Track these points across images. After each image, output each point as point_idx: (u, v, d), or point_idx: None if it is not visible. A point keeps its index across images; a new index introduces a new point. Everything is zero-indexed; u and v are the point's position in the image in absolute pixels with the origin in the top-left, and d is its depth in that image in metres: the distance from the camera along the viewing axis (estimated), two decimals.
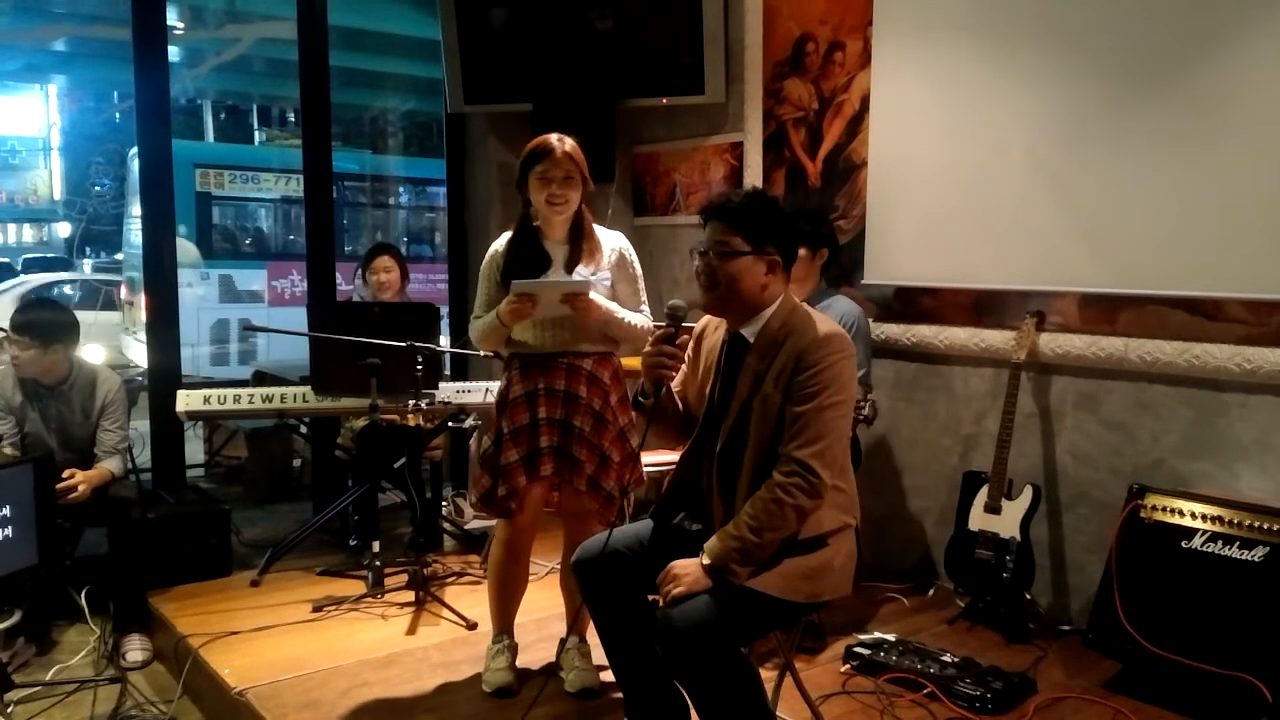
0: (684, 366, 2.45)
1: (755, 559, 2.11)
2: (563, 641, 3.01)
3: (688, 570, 2.13)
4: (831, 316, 3.38)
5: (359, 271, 4.52)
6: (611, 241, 2.86)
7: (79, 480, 3.44)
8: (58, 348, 3.54)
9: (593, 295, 2.69)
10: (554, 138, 2.74)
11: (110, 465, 3.60)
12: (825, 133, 4.13)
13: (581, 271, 2.77)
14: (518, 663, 3.00)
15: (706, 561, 2.12)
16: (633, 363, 4.64)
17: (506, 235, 2.88)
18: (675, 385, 2.44)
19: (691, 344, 2.44)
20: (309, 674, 3.00)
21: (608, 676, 2.76)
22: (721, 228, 2.21)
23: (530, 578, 3.82)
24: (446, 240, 5.55)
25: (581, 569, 2.37)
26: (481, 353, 3.69)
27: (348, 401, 3.85)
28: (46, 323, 3.54)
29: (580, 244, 2.79)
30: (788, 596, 2.13)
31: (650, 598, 2.33)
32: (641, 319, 2.83)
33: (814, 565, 2.17)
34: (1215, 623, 2.75)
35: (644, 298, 2.89)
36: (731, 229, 2.20)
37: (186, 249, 9.88)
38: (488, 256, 2.88)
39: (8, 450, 3.44)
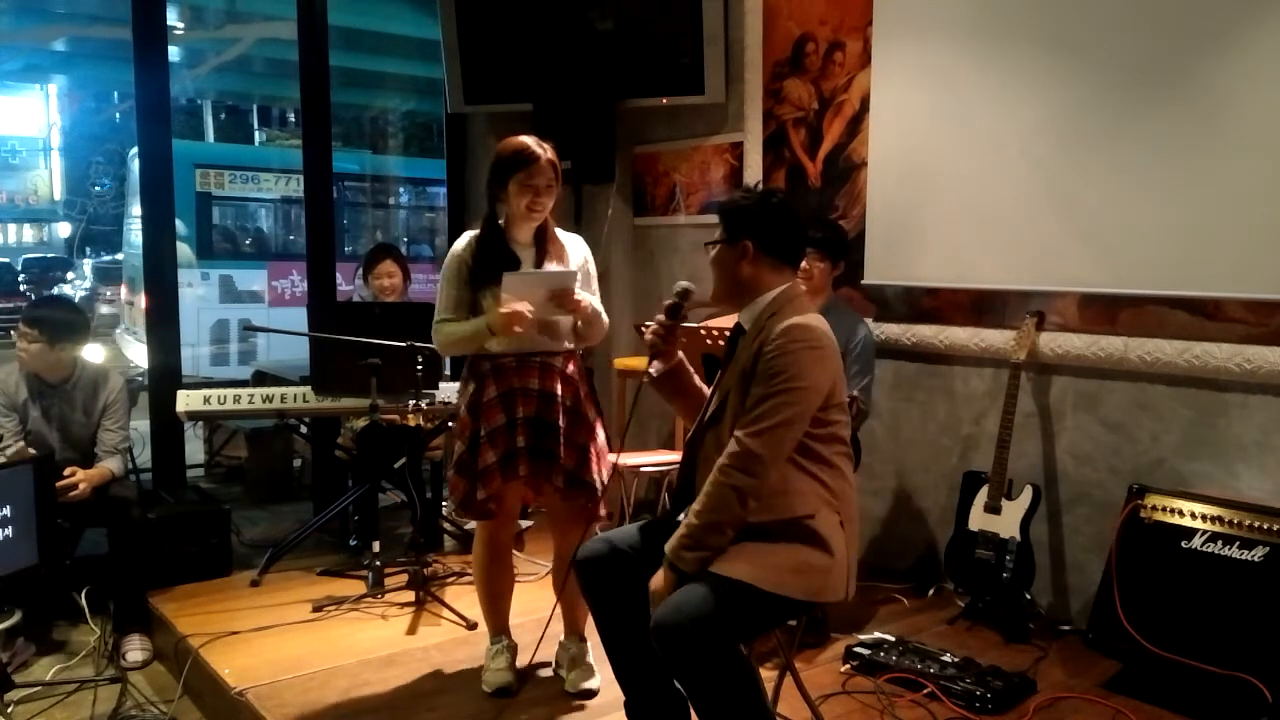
0: None
1: (704, 545, 2.12)
2: (562, 642, 3.01)
3: (657, 584, 2.17)
4: (844, 332, 3.41)
5: (359, 272, 4.51)
6: (576, 246, 2.90)
7: (80, 479, 3.45)
8: (65, 345, 3.57)
9: (576, 289, 2.73)
10: (534, 143, 2.73)
11: (111, 465, 3.61)
12: (825, 133, 4.13)
13: (553, 269, 2.79)
14: (517, 663, 3.00)
15: (672, 560, 2.15)
16: (630, 362, 4.63)
17: (468, 236, 2.85)
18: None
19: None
20: (309, 674, 3.00)
21: (609, 676, 2.77)
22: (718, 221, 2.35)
23: (530, 578, 3.84)
24: (446, 240, 5.55)
25: (583, 568, 2.37)
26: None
27: (348, 401, 3.86)
28: (58, 320, 3.58)
29: (545, 246, 2.81)
30: (779, 591, 2.11)
31: None
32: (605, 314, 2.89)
33: (806, 560, 2.16)
34: (1215, 623, 2.75)
35: (598, 295, 2.90)
36: (720, 222, 2.34)
37: (180, 250, 9.86)
38: (452, 258, 2.83)
39: (29, 450, 3.44)
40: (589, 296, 2.79)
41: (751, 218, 2.29)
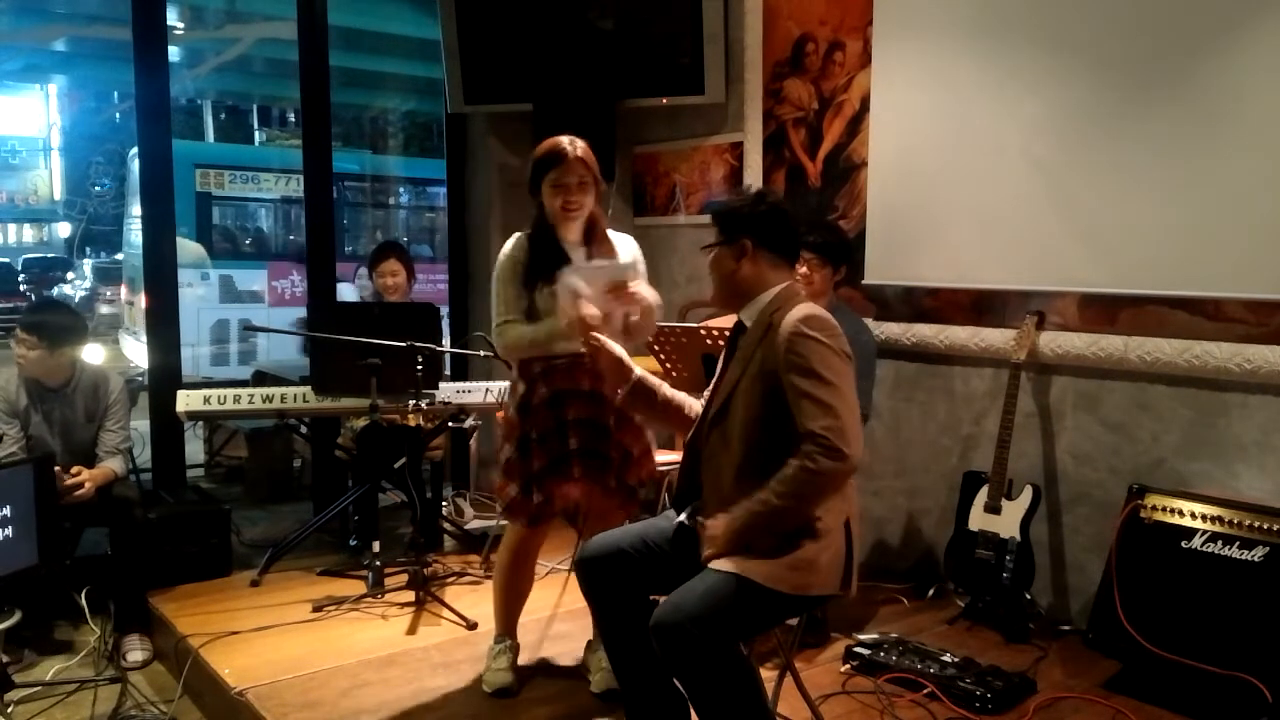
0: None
1: (779, 526, 2.13)
2: (590, 643, 3.01)
3: (717, 535, 2.16)
4: (847, 334, 3.40)
5: (357, 271, 4.51)
6: (627, 243, 2.86)
7: (85, 478, 3.45)
8: (65, 350, 3.56)
9: (636, 284, 2.62)
10: (565, 142, 2.71)
11: (113, 465, 3.60)
12: (825, 133, 4.13)
13: (607, 262, 2.75)
14: (519, 662, 3.00)
15: (736, 528, 2.14)
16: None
17: (517, 236, 2.82)
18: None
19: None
20: (309, 674, 3.00)
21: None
22: (713, 226, 2.38)
23: None
24: (447, 241, 5.56)
25: (584, 568, 2.37)
26: (482, 353, 3.69)
27: (348, 401, 3.85)
28: (57, 324, 3.55)
29: (594, 245, 2.78)
30: (774, 585, 2.11)
31: (651, 597, 2.34)
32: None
33: (800, 556, 2.16)
34: (1215, 623, 2.75)
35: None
36: (715, 224, 2.37)
37: (192, 249, 9.85)
38: (505, 258, 2.78)
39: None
40: (648, 290, 2.69)
41: (747, 217, 2.31)
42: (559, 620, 3.31)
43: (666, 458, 4.10)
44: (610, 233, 2.86)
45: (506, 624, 3.00)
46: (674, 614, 2.06)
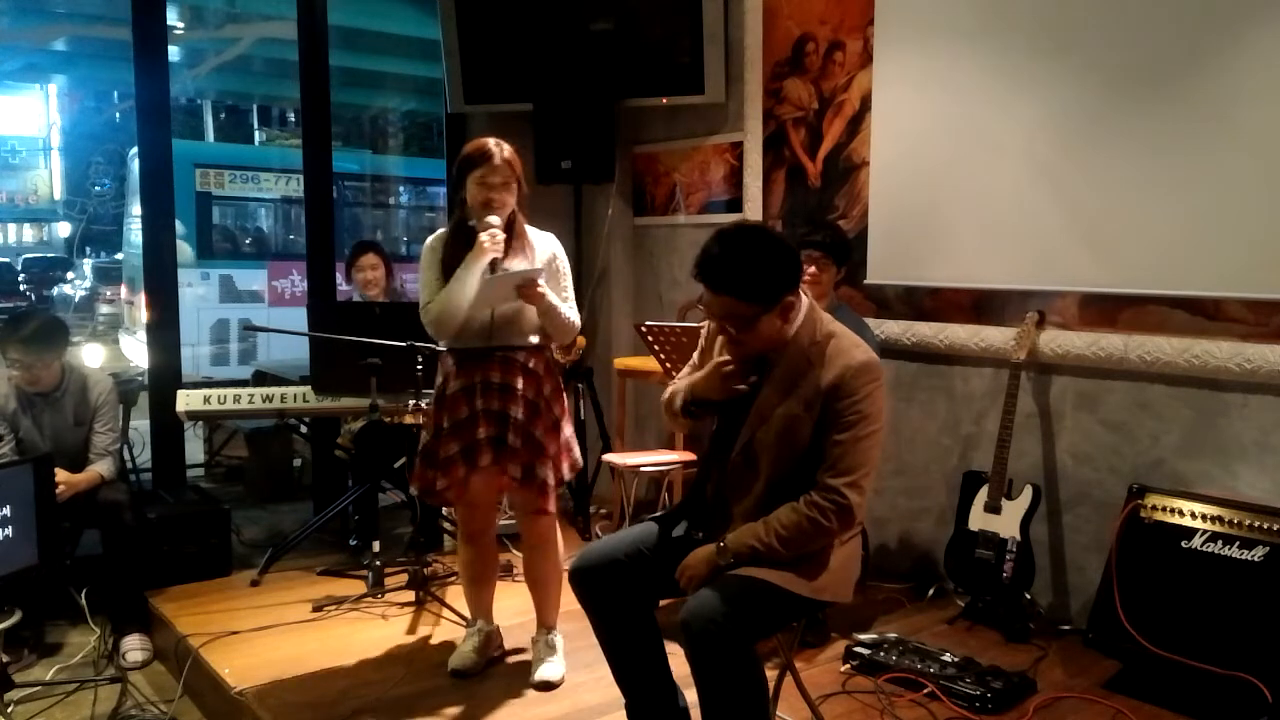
0: (695, 358, 2.47)
1: (768, 563, 2.17)
2: (533, 635, 3.06)
3: (696, 564, 2.22)
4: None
5: (346, 270, 4.54)
6: (545, 243, 2.95)
7: (59, 481, 3.39)
8: (51, 357, 3.55)
9: (540, 284, 2.78)
10: (492, 143, 2.83)
11: (100, 468, 3.59)
12: (825, 133, 4.13)
13: (517, 265, 2.85)
14: (514, 660, 3.01)
15: (730, 559, 2.18)
16: (630, 362, 4.63)
17: (439, 232, 2.97)
18: (683, 379, 2.47)
19: (704, 339, 2.47)
20: (309, 674, 3.01)
21: (584, 675, 2.86)
22: (730, 301, 2.16)
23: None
24: None
25: (580, 576, 2.37)
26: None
27: (348, 401, 3.85)
28: (41, 334, 3.51)
29: (511, 242, 2.86)
30: (789, 586, 2.15)
31: (661, 602, 2.35)
32: (574, 314, 2.91)
33: (819, 560, 2.21)
34: (1215, 623, 2.75)
35: (569, 296, 2.96)
36: (741, 301, 2.15)
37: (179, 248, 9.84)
38: (426, 250, 2.94)
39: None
40: (550, 294, 2.83)
41: (786, 272, 2.18)
42: (559, 620, 3.30)
43: (665, 457, 4.10)
44: (532, 230, 2.96)
45: (472, 607, 3.10)
46: (705, 609, 2.08)
